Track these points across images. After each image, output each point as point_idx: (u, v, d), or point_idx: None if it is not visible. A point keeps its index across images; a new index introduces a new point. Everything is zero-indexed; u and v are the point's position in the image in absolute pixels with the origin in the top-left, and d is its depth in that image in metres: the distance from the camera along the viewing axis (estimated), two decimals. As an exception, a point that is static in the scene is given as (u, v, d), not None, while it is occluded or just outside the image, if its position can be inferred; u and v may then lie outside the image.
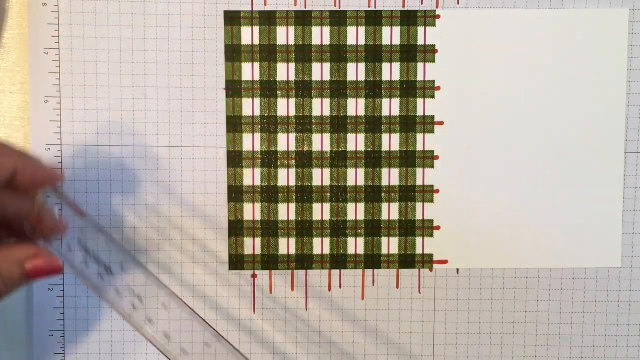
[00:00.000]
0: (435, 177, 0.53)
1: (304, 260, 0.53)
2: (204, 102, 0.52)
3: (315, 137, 0.52)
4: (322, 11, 0.52)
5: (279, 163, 0.52)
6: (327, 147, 0.52)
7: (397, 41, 0.52)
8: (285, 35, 0.52)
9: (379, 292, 0.53)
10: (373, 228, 0.53)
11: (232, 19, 0.52)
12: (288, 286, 0.53)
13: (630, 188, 0.53)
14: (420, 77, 0.52)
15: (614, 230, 0.53)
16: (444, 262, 0.53)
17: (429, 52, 0.52)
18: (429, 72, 0.52)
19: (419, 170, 0.53)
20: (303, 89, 0.52)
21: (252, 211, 0.53)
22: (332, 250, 0.53)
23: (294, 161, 0.52)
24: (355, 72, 0.52)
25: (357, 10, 0.52)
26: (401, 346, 0.54)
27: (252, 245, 0.53)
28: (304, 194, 0.53)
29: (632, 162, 0.53)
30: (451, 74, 0.52)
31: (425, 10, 0.52)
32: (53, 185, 0.41)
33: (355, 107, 0.52)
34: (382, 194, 0.53)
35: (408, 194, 0.53)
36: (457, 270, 0.53)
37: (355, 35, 0.52)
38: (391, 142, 0.52)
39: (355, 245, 0.53)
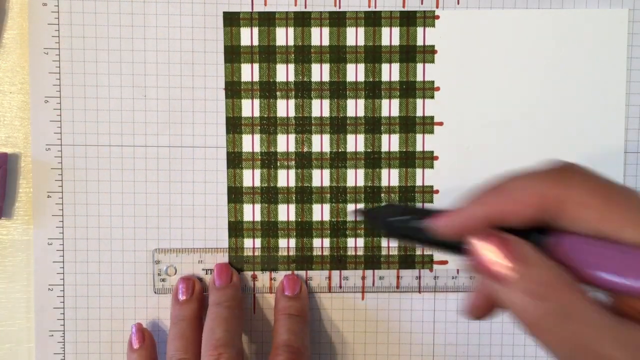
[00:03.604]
0: (435, 177, 0.53)
1: (304, 261, 0.53)
2: (204, 102, 0.52)
3: (315, 138, 0.52)
4: (321, 12, 0.52)
5: (278, 164, 0.52)
6: (326, 148, 0.52)
7: (396, 42, 0.52)
8: (284, 36, 0.52)
9: (379, 292, 0.53)
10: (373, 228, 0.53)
11: (232, 19, 0.52)
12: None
13: (630, 188, 0.53)
14: (419, 78, 0.52)
15: (613, 230, 0.53)
16: (444, 262, 0.53)
17: (428, 53, 0.52)
18: (429, 73, 0.52)
19: (419, 171, 0.53)
20: (302, 89, 0.52)
21: (252, 212, 0.53)
22: (332, 251, 0.53)
23: (293, 162, 0.52)
24: (355, 72, 0.52)
25: (357, 11, 0.52)
26: (401, 346, 0.54)
27: (252, 246, 0.53)
28: (304, 195, 0.53)
29: (632, 162, 0.53)
30: (450, 75, 0.52)
31: (424, 11, 0.52)
32: None
33: (355, 107, 0.52)
34: (382, 195, 0.53)
35: (408, 194, 0.53)
36: (457, 270, 0.53)
37: (355, 36, 0.52)
38: (390, 142, 0.52)
39: (355, 246, 0.53)
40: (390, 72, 0.52)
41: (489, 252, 0.30)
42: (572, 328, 0.29)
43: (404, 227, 0.35)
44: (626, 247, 0.30)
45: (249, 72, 0.52)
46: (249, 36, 0.52)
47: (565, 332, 0.29)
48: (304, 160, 0.52)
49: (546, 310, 0.29)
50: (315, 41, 0.52)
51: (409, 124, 0.52)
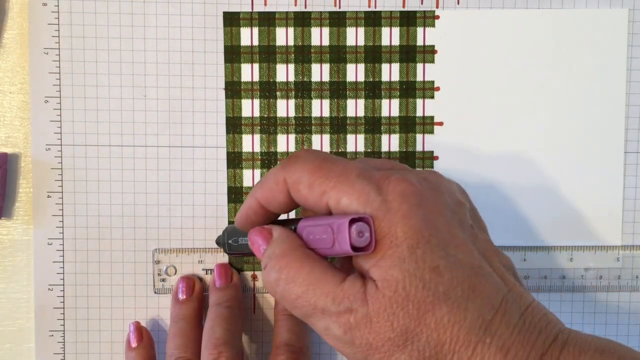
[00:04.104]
0: (435, 177, 0.53)
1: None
2: (204, 102, 0.52)
3: (315, 138, 0.52)
4: (321, 12, 0.52)
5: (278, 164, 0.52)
6: (326, 148, 0.52)
7: (396, 42, 0.52)
8: (284, 36, 0.52)
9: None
10: (372, 228, 0.53)
11: (232, 19, 0.52)
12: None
13: (630, 188, 0.53)
14: (419, 78, 0.52)
15: (613, 230, 0.53)
16: (444, 262, 0.53)
17: (428, 53, 0.52)
18: (428, 73, 0.52)
19: (419, 171, 0.53)
20: (302, 89, 0.52)
21: (251, 212, 0.53)
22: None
23: (293, 162, 0.52)
24: (355, 72, 0.52)
25: (357, 11, 0.52)
26: (401, 346, 0.54)
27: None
28: (304, 195, 0.53)
29: (632, 162, 0.53)
30: (450, 75, 0.52)
31: (424, 11, 0.52)
32: None
33: (355, 107, 0.52)
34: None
35: (407, 194, 0.53)
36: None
37: (355, 36, 0.52)
38: (390, 142, 0.52)
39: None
40: (390, 72, 0.52)
41: (254, 239, 0.39)
42: (297, 290, 0.35)
43: (235, 246, 0.44)
44: (321, 218, 0.36)
45: (249, 72, 0.52)
46: (249, 36, 0.52)
47: (292, 294, 0.35)
48: (304, 160, 0.52)
49: (276, 276, 0.36)
50: (315, 41, 0.52)
51: (409, 124, 0.52)
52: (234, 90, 0.52)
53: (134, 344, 0.51)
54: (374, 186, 0.34)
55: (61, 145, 0.52)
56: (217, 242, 0.49)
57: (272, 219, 0.40)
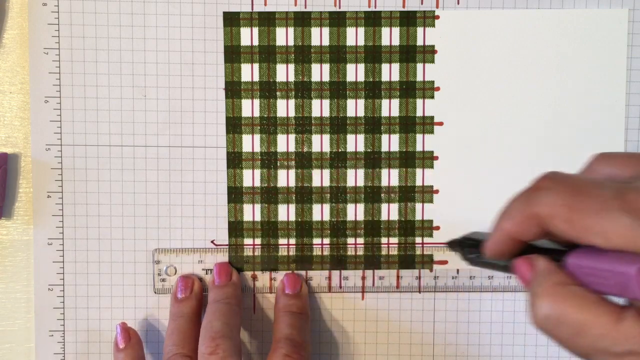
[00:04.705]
0: (435, 177, 0.53)
1: (304, 261, 0.53)
2: (204, 102, 0.52)
3: (315, 138, 0.52)
4: (321, 12, 0.52)
5: (278, 164, 0.52)
6: (326, 148, 0.52)
7: (396, 42, 0.52)
8: (284, 36, 0.52)
9: (379, 292, 0.53)
10: (373, 229, 0.53)
11: (232, 19, 0.52)
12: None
13: (630, 188, 0.53)
14: (419, 78, 0.52)
15: (613, 230, 0.53)
16: (444, 262, 0.53)
17: (428, 53, 0.52)
18: (428, 73, 0.52)
19: (419, 171, 0.53)
20: (302, 89, 0.52)
21: (251, 212, 0.53)
22: (332, 251, 0.53)
23: (293, 162, 0.52)
24: (355, 72, 0.52)
25: (357, 11, 0.52)
26: (401, 346, 0.54)
27: (252, 246, 0.53)
28: (304, 195, 0.53)
29: (632, 162, 0.53)
30: (450, 75, 0.52)
31: (424, 11, 0.52)
32: None
33: (355, 107, 0.52)
34: (382, 195, 0.53)
35: (407, 194, 0.53)
36: (457, 270, 0.53)
37: (355, 36, 0.52)
38: (390, 142, 0.52)
39: (355, 246, 0.53)
40: (390, 72, 0.52)
41: (519, 270, 0.37)
42: (569, 331, 0.32)
43: (478, 261, 0.42)
44: (597, 257, 0.33)
45: (249, 72, 0.52)
46: (249, 36, 0.52)
47: (563, 334, 0.33)
48: (304, 160, 0.52)
49: (544, 314, 0.33)
50: (315, 41, 0.52)
51: (409, 124, 0.52)
52: (234, 90, 0.52)
53: (121, 345, 0.50)
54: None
55: (61, 145, 0.52)
56: (450, 245, 0.48)
57: (525, 246, 0.38)
